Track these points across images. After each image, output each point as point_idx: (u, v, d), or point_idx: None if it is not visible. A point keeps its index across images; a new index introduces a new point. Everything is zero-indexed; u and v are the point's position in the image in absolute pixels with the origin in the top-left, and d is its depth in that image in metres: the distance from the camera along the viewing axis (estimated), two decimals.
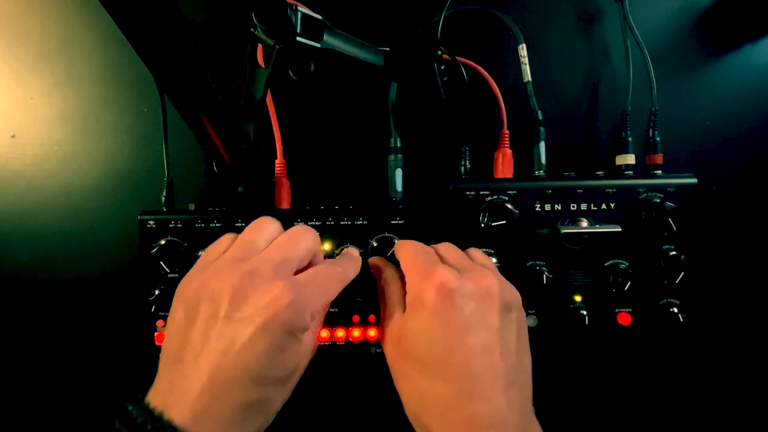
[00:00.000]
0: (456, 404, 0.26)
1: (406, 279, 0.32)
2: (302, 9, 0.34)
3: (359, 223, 0.42)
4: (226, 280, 0.26)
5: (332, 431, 0.48)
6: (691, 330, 0.43)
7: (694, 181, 0.41)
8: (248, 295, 0.25)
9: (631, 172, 0.44)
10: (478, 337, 0.27)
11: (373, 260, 0.39)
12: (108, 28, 0.47)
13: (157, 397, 0.25)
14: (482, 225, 0.41)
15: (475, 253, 0.36)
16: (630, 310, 0.42)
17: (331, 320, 0.42)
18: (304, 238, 0.30)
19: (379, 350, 0.42)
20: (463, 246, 0.36)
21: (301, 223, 0.35)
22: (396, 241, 0.40)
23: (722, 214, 0.48)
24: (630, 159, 0.44)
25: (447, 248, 0.35)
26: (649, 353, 0.48)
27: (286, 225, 0.41)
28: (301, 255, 0.29)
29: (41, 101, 0.47)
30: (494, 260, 0.42)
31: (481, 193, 0.42)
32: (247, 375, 0.24)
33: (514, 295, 0.31)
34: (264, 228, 0.31)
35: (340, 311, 0.42)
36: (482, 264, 0.33)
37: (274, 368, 0.26)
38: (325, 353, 0.43)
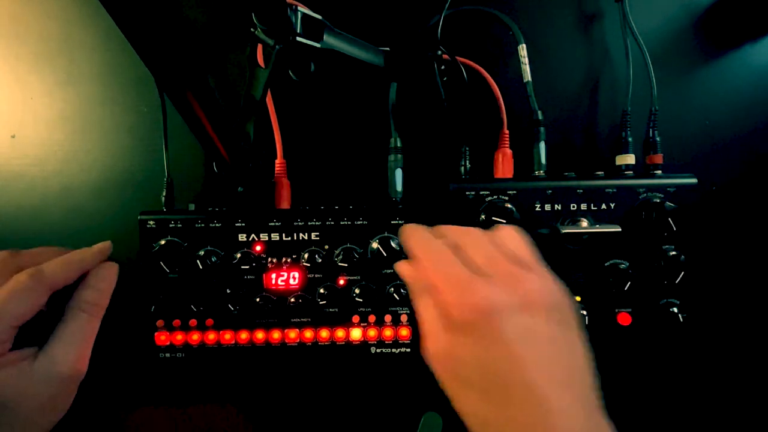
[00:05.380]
0: (529, 425, 0.25)
1: (435, 291, 0.28)
2: (302, 9, 0.34)
3: (359, 223, 0.42)
4: None
5: (332, 431, 0.48)
6: (691, 330, 0.42)
7: (694, 181, 0.42)
8: None
9: (631, 172, 0.44)
10: (532, 352, 0.26)
11: (402, 267, 0.34)
12: (108, 28, 0.47)
13: None
14: (482, 225, 0.41)
15: (505, 234, 0.30)
16: (630, 310, 0.42)
17: (331, 320, 0.42)
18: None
19: (379, 350, 0.43)
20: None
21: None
22: (401, 229, 0.32)
23: (722, 214, 0.47)
24: (630, 159, 0.44)
25: (467, 238, 0.30)
26: (649, 353, 0.48)
27: (287, 225, 0.42)
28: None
29: (41, 101, 0.47)
30: None
31: (481, 193, 0.42)
32: None
33: (556, 295, 0.28)
34: None
35: (340, 311, 0.42)
36: (514, 254, 0.29)
37: None
38: (325, 353, 0.43)
